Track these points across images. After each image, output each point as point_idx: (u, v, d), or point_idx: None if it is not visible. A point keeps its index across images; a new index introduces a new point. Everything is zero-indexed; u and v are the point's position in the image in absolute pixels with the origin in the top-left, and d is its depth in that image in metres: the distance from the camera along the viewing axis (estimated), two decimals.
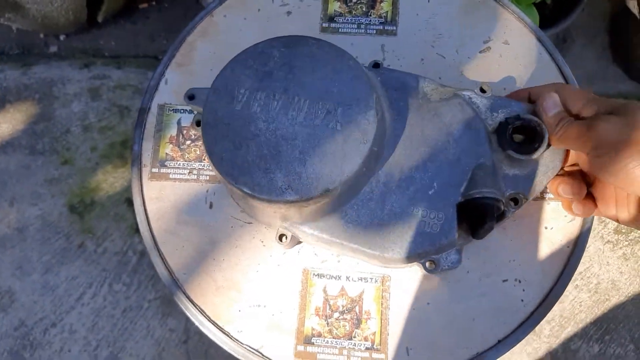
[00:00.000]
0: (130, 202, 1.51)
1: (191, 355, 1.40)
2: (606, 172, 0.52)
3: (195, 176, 0.68)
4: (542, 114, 0.58)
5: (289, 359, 0.62)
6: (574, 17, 1.37)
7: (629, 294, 1.43)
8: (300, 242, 0.65)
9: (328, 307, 0.63)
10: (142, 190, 0.68)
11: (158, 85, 0.73)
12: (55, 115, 1.59)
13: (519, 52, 0.72)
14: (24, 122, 1.59)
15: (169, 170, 0.69)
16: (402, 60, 0.72)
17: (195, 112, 0.62)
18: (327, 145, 0.53)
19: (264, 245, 0.66)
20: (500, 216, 0.58)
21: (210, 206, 0.67)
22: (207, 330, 0.63)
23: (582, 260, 0.64)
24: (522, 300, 0.63)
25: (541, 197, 0.66)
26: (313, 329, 0.63)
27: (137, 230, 1.45)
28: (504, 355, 0.62)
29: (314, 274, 0.65)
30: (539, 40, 0.72)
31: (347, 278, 0.64)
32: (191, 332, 1.41)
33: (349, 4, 0.75)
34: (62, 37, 1.74)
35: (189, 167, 0.69)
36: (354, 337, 0.62)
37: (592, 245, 1.46)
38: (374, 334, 0.62)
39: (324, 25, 0.75)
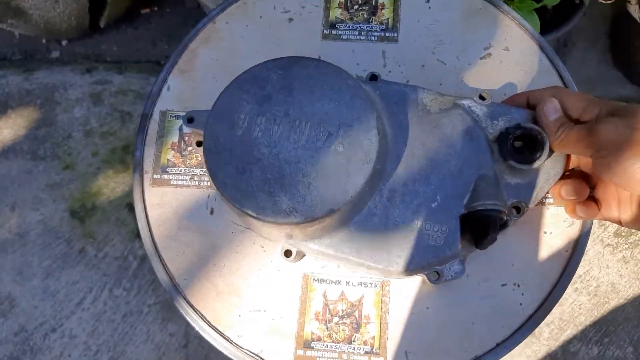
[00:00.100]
0: (131, 207, 1.51)
1: None
2: (610, 172, 0.52)
3: (197, 182, 0.69)
4: (542, 120, 0.58)
5: None
6: (575, 21, 1.37)
7: (629, 297, 1.43)
8: (305, 256, 0.65)
9: (328, 311, 0.64)
10: (143, 196, 0.69)
11: (160, 91, 0.73)
12: (57, 120, 1.60)
13: (519, 58, 0.72)
14: (26, 127, 1.59)
15: (170, 177, 0.69)
16: (402, 67, 0.72)
17: (192, 130, 0.63)
18: (330, 167, 0.53)
19: (264, 251, 0.66)
20: (503, 226, 0.59)
21: (211, 212, 0.68)
22: (208, 335, 0.64)
23: (581, 263, 0.64)
24: (520, 304, 0.63)
25: (540, 203, 0.66)
26: (313, 333, 0.63)
27: (138, 235, 1.46)
28: (503, 359, 0.62)
29: (313, 279, 0.65)
30: (540, 46, 0.73)
31: (347, 283, 0.65)
32: (191, 337, 1.41)
33: (351, 11, 0.76)
34: (64, 43, 1.75)
35: (190, 173, 0.69)
36: (354, 341, 0.63)
37: (592, 249, 1.46)
38: (373, 338, 0.63)
39: (325, 32, 0.75)
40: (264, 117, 0.55)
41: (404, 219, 0.58)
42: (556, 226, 0.66)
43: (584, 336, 1.41)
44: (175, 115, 0.72)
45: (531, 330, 0.62)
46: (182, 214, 0.68)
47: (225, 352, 0.63)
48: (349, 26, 0.75)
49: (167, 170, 0.70)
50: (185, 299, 0.65)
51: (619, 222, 0.58)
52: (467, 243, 0.59)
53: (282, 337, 0.63)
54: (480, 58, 0.72)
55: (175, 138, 0.71)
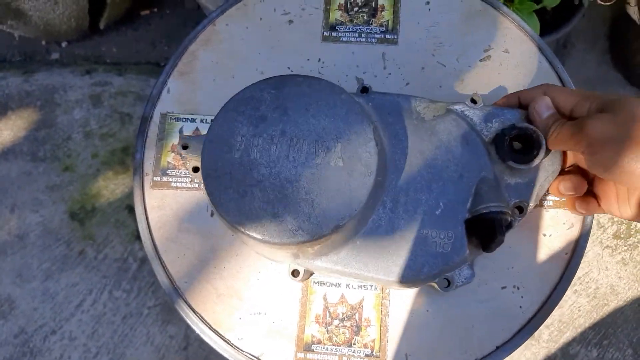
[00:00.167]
0: (130, 209, 1.51)
1: None
2: (602, 169, 0.52)
3: (197, 184, 0.69)
4: (535, 118, 0.58)
5: None
6: (575, 22, 1.37)
7: (628, 299, 1.43)
8: (313, 274, 0.65)
9: (328, 314, 0.64)
10: (143, 199, 0.69)
11: (160, 94, 0.73)
12: (57, 122, 1.60)
13: (519, 60, 0.72)
14: (26, 128, 1.59)
15: (170, 179, 0.69)
16: (402, 69, 0.72)
17: (188, 156, 0.63)
18: (332, 183, 0.53)
19: None
20: (508, 227, 0.59)
21: (212, 214, 0.68)
22: (208, 338, 0.64)
23: (581, 265, 0.64)
24: (520, 307, 0.63)
25: (540, 205, 0.66)
26: (313, 336, 0.63)
27: (138, 237, 1.46)
28: None
29: (314, 282, 0.65)
30: (539, 48, 0.73)
31: (347, 286, 0.65)
32: (191, 339, 1.41)
33: (350, 13, 0.76)
34: (63, 44, 1.75)
35: (190, 176, 0.69)
36: (354, 344, 0.63)
37: (591, 251, 1.46)
38: (373, 341, 0.63)
39: (325, 34, 0.75)
40: (260, 138, 0.55)
41: (410, 229, 0.58)
42: (555, 229, 0.66)
43: (583, 338, 1.41)
44: (175, 118, 0.72)
45: (531, 333, 0.62)
46: (182, 217, 0.68)
47: (226, 355, 0.63)
48: (348, 28, 0.75)
49: (168, 172, 0.70)
50: (185, 301, 0.65)
51: (621, 216, 0.58)
52: (474, 247, 0.59)
53: (283, 340, 0.63)
54: (480, 60, 0.73)
55: (175, 140, 0.71)
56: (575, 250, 0.65)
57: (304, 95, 0.56)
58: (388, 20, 0.75)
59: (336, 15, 0.76)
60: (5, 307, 1.44)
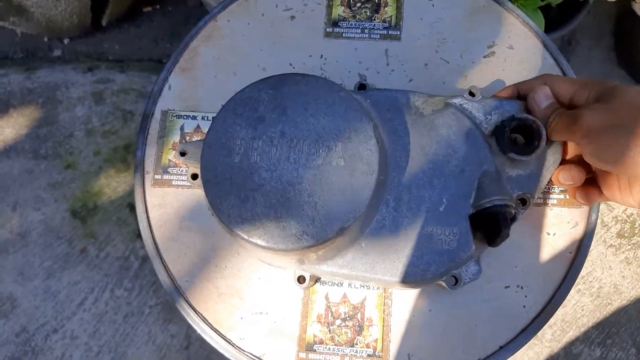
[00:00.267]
0: (132, 207, 1.51)
1: None
2: (598, 160, 0.52)
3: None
4: (534, 109, 0.58)
5: None
6: (580, 19, 1.37)
7: (631, 298, 1.43)
8: (320, 279, 0.65)
9: (330, 314, 0.63)
10: (144, 197, 0.68)
11: (161, 90, 0.73)
12: (59, 119, 1.59)
13: (523, 56, 0.72)
14: (28, 126, 1.59)
15: (171, 177, 0.69)
16: (405, 65, 0.72)
17: (186, 163, 0.62)
18: (334, 183, 0.52)
19: None
20: (512, 220, 0.58)
21: (213, 213, 0.67)
22: (209, 338, 0.63)
23: (584, 265, 0.64)
24: (524, 306, 0.62)
25: (544, 204, 0.66)
26: (315, 336, 0.63)
27: (139, 235, 1.45)
28: None
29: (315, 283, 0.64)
30: (544, 44, 0.72)
31: (349, 285, 0.64)
32: (192, 338, 1.41)
33: (353, 9, 0.75)
34: (66, 41, 1.74)
35: None
36: (356, 344, 0.62)
37: (595, 249, 1.46)
38: (375, 340, 0.62)
39: (327, 30, 0.74)
40: (260, 140, 0.54)
41: (414, 227, 0.57)
42: (559, 227, 0.65)
43: (586, 338, 1.40)
44: (176, 115, 0.71)
45: (534, 332, 0.62)
46: (183, 215, 0.68)
47: (227, 355, 0.63)
48: (351, 24, 0.74)
49: (169, 170, 0.69)
50: (186, 300, 0.65)
51: (625, 204, 0.57)
52: (479, 242, 0.58)
53: (284, 340, 0.63)
54: (484, 56, 0.72)
55: (176, 138, 0.70)
56: (580, 249, 0.64)
57: (302, 94, 0.56)
58: (391, 16, 0.74)
59: (339, 11, 0.75)
60: (7, 306, 1.44)
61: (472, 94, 0.61)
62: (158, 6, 1.78)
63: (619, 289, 1.43)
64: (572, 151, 0.60)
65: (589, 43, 1.68)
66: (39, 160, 1.56)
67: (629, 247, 1.46)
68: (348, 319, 0.63)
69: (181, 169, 0.69)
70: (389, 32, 0.74)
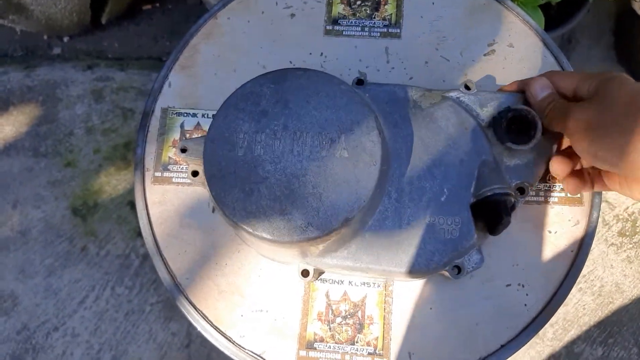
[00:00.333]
0: (132, 205, 1.51)
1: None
2: (586, 155, 0.52)
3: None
4: (531, 100, 0.59)
5: None
6: (579, 17, 1.37)
7: (633, 297, 1.42)
8: (323, 273, 0.65)
9: (330, 312, 0.63)
10: (144, 194, 0.68)
11: (161, 88, 0.73)
12: (59, 117, 1.59)
13: (523, 54, 0.72)
14: (28, 124, 1.59)
15: (172, 174, 0.69)
16: (406, 63, 0.72)
17: (187, 160, 0.62)
18: (338, 174, 0.53)
19: None
20: (512, 208, 0.59)
21: (213, 210, 0.67)
22: (210, 336, 0.63)
23: (585, 263, 0.64)
24: (525, 305, 0.62)
25: (545, 202, 0.66)
26: (315, 334, 0.63)
27: (140, 233, 1.45)
28: None
29: (315, 280, 0.64)
30: (544, 42, 0.72)
31: (350, 283, 0.64)
32: (193, 336, 1.41)
33: (353, 7, 0.75)
34: (65, 39, 1.74)
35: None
36: (357, 342, 0.62)
37: (596, 248, 1.46)
38: (376, 339, 0.62)
39: (327, 27, 0.74)
40: (263, 134, 0.54)
41: (417, 217, 0.58)
42: (561, 225, 0.65)
43: (588, 337, 1.40)
44: (176, 112, 0.71)
45: (536, 331, 0.62)
46: (183, 212, 0.67)
47: (227, 353, 0.63)
48: (351, 22, 0.74)
49: (169, 168, 0.69)
50: (187, 298, 0.65)
51: (625, 195, 0.57)
52: (481, 231, 0.59)
53: (285, 338, 0.63)
54: (484, 54, 0.72)
55: (176, 135, 0.70)
56: (581, 248, 0.64)
57: (304, 88, 0.56)
58: (391, 14, 0.74)
59: (339, 8, 0.75)
60: (8, 303, 1.44)
61: (467, 87, 0.62)
62: (158, 4, 1.78)
63: (621, 287, 1.43)
64: (567, 142, 0.61)
65: (589, 42, 1.68)
66: (39, 158, 1.55)
67: (631, 245, 1.46)
68: (349, 316, 0.63)
69: (181, 166, 0.69)
70: (389, 30, 0.74)
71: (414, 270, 0.57)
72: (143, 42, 1.74)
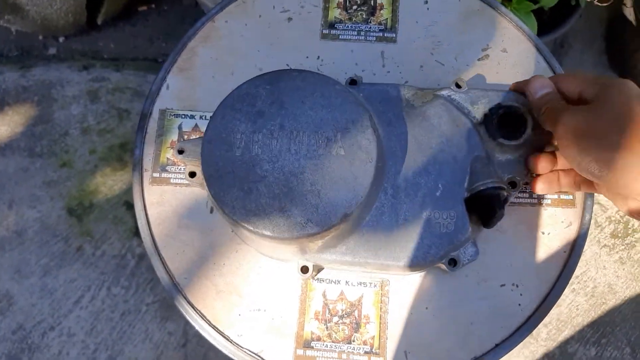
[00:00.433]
0: (128, 205, 1.51)
1: (190, 359, 1.40)
2: (571, 161, 0.53)
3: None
4: (529, 98, 0.59)
5: None
6: (572, 23, 1.38)
7: (625, 298, 1.44)
8: (322, 269, 0.65)
9: (327, 311, 0.64)
10: (143, 195, 0.69)
11: (159, 90, 0.73)
12: (54, 117, 1.59)
13: (516, 59, 0.73)
14: (23, 124, 1.59)
15: (170, 175, 0.69)
16: (401, 67, 0.73)
17: (184, 161, 0.62)
18: (335, 172, 0.54)
19: None
20: (504, 201, 0.60)
21: (211, 211, 0.68)
22: (208, 335, 0.64)
23: (578, 264, 0.65)
24: (519, 305, 0.63)
25: (538, 203, 0.66)
26: (312, 333, 0.63)
27: (136, 233, 1.46)
28: (502, 359, 0.62)
29: (313, 279, 0.65)
30: (537, 47, 0.73)
31: (347, 282, 0.65)
32: (190, 336, 1.41)
33: (349, 11, 0.76)
34: (61, 39, 1.74)
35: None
36: (353, 341, 0.63)
37: (589, 249, 1.47)
38: (372, 338, 0.63)
39: (324, 31, 0.75)
40: (260, 133, 0.55)
41: (413, 212, 0.59)
42: (554, 227, 0.66)
43: (581, 337, 1.41)
44: (174, 114, 0.72)
45: (530, 331, 0.62)
46: (181, 213, 0.68)
47: (225, 352, 0.63)
48: (347, 26, 0.75)
49: (167, 168, 0.70)
50: (185, 298, 0.65)
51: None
52: (475, 225, 0.60)
53: (282, 337, 0.63)
54: (478, 59, 0.73)
55: (174, 136, 0.71)
56: (574, 249, 0.65)
57: (299, 88, 0.57)
58: (387, 18, 0.75)
59: (335, 13, 0.76)
60: (3, 303, 1.44)
61: (458, 85, 0.64)
62: (153, 5, 1.78)
63: (613, 288, 1.44)
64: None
65: (581, 46, 1.70)
66: (35, 158, 1.56)
67: (623, 247, 1.47)
68: (345, 316, 0.64)
69: (179, 167, 0.69)
70: (385, 35, 0.75)
71: (412, 264, 0.58)
72: (139, 43, 1.74)
